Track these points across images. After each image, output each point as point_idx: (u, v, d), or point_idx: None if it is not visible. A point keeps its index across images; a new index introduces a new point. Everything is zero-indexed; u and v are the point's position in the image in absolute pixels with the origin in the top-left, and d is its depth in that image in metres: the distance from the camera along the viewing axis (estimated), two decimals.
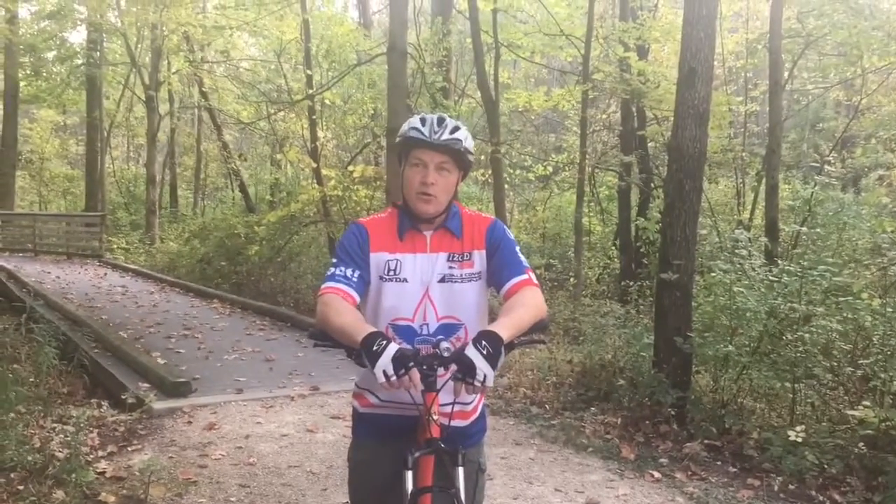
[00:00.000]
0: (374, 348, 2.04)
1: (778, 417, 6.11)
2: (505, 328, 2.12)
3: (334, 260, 2.40)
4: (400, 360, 2.02)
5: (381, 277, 2.39)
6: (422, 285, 2.38)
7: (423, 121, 2.36)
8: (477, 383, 2.01)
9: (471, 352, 2.04)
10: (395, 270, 2.38)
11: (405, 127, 2.39)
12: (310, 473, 5.00)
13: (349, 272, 2.34)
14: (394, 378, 2.01)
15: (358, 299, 2.33)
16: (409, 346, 2.29)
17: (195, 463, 5.11)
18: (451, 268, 2.40)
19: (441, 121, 2.35)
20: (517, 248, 2.44)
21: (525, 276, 2.36)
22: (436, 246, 2.42)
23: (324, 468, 5.09)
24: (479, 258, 2.42)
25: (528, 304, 2.26)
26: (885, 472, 4.83)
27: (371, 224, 2.47)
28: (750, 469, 5.32)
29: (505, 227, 2.50)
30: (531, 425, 6.33)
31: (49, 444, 4.96)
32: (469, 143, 2.38)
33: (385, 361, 2.01)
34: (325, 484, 4.81)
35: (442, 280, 2.39)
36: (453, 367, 2.11)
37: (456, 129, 2.35)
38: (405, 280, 2.38)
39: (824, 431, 5.42)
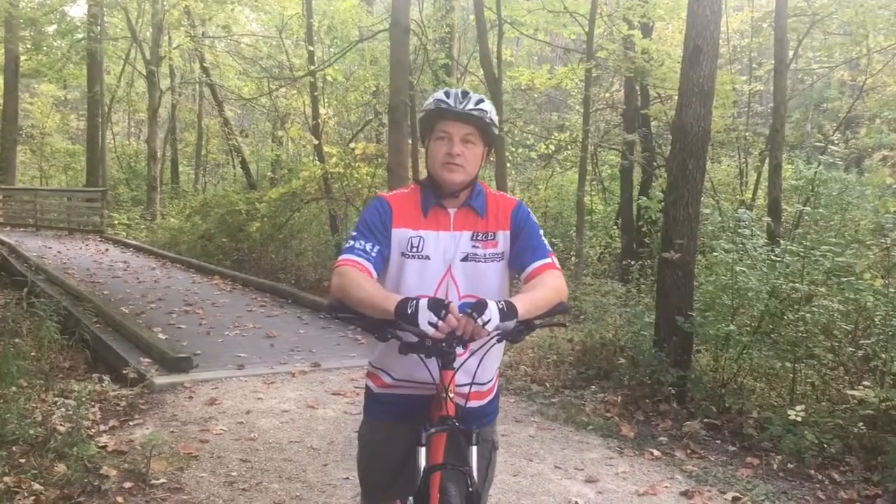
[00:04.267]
0: (409, 311, 2.04)
1: (778, 397, 6.12)
2: (522, 302, 2.13)
3: (354, 233, 2.37)
4: (436, 305, 2.03)
5: (402, 254, 2.36)
6: (444, 263, 2.36)
7: (447, 93, 2.34)
8: (481, 321, 2.01)
9: (489, 301, 2.06)
10: (417, 247, 2.35)
11: (429, 101, 2.38)
12: (310, 449, 5.02)
13: (368, 246, 2.31)
14: (440, 322, 2.01)
15: (375, 274, 2.29)
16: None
17: (196, 438, 5.13)
18: (474, 247, 2.37)
19: (465, 93, 2.34)
20: (541, 232, 2.43)
21: (548, 260, 2.35)
22: (459, 224, 2.39)
23: (324, 444, 5.11)
24: (504, 239, 2.41)
25: (548, 286, 2.26)
26: (884, 452, 4.84)
27: (394, 199, 2.44)
28: (749, 448, 5.34)
29: (529, 210, 2.48)
30: (531, 403, 6.34)
31: (51, 418, 4.98)
32: (494, 116, 2.36)
33: (424, 314, 2.02)
34: (325, 459, 4.83)
35: (465, 259, 2.36)
36: (472, 345, 2.10)
37: (480, 101, 2.33)
38: (427, 257, 2.35)
39: (824, 411, 5.43)
